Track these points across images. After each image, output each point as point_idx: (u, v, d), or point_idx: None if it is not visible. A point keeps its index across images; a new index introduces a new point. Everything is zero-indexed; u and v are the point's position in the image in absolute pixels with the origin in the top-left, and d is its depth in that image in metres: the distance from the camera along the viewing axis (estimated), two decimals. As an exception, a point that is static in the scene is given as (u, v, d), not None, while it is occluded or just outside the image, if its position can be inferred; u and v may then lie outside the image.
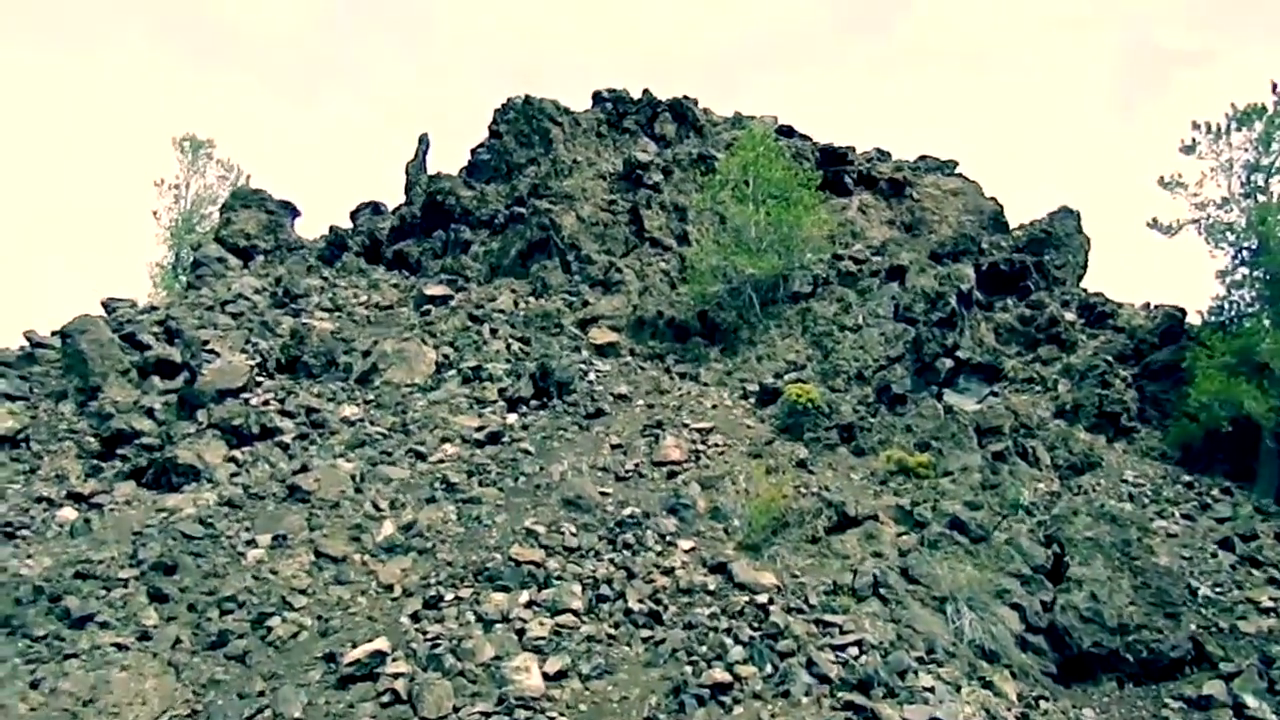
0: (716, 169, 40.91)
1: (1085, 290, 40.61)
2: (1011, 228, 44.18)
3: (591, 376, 34.33)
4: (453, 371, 34.61)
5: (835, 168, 45.18)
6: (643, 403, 33.09)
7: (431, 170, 49.33)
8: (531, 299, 39.37)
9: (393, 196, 50.54)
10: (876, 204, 44.55)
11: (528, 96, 48.61)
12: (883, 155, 48.65)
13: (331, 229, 46.28)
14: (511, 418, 32.05)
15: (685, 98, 49.09)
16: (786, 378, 34.17)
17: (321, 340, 35.87)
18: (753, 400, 33.53)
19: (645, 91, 49.04)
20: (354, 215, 49.21)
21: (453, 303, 39.37)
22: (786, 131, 47.80)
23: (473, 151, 49.17)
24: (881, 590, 24.58)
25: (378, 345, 35.18)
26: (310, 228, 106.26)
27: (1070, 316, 37.79)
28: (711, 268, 38.12)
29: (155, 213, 57.27)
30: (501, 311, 38.25)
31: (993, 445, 30.68)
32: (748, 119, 49.47)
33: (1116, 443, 31.96)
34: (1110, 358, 34.36)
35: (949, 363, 33.83)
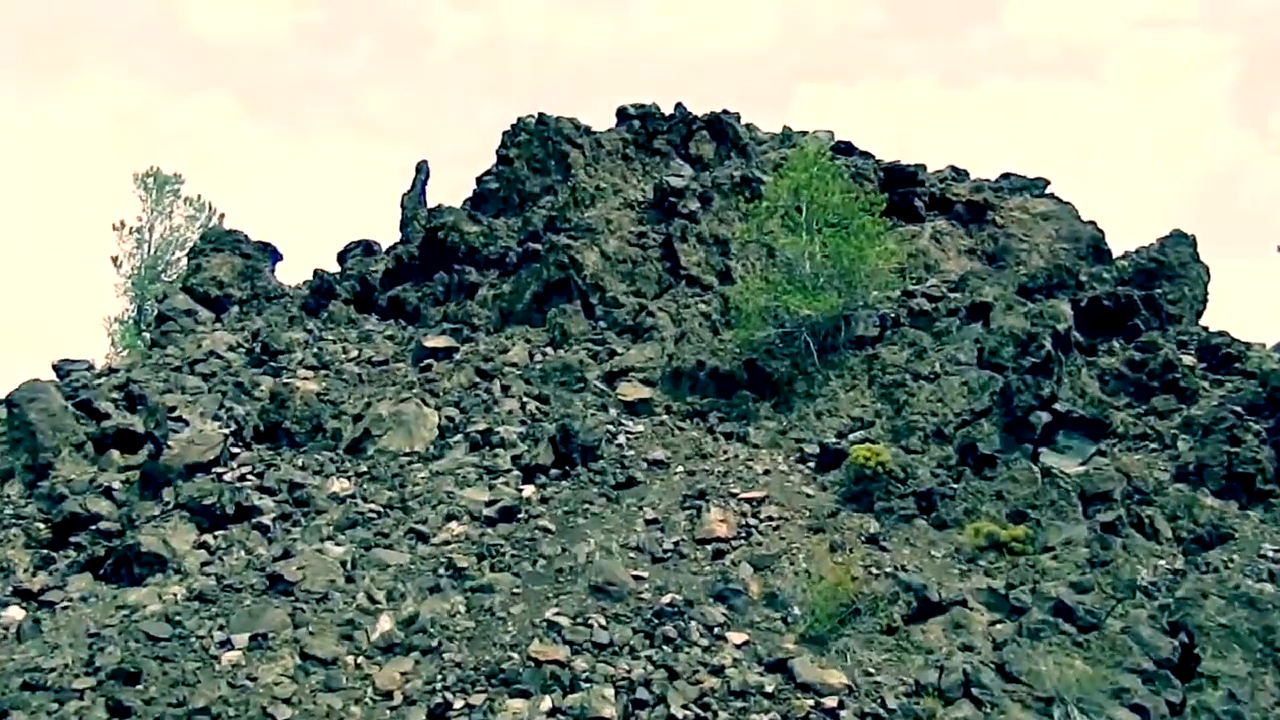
0: (763, 194, 40.76)
1: (1206, 329, 39.98)
2: (1114, 257, 43.75)
3: (621, 439, 34.06)
4: (459, 437, 34.37)
5: (903, 190, 44.97)
6: (682, 469, 32.77)
7: (431, 202, 49.39)
8: (549, 350, 39.23)
9: (386, 234, 50.54)
10: (953, 231, 44.28)
11: (541, 115, 48.70)
12: (959, 174, 48.41)
13: (316, 273, 46.33)
14: (528, 490, 31.76)
15: (725, 112, 49.12)
16: (851, 437, 33.79)
17: (306, 403, 35.75)
18: (812, 464, 33.16)
19: (678, 106, 49.08)
20: (342, 257, 49.32)
21: (457, 356, 39.27)
22: (845, 149, 47.72)
23: (478, 180, 49.25)
24: (974, 690, 24.14)
25: (371, 408, 34.94)
26: (293, 273, 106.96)
27: (1189, 360, 37.17)
28: (759, 309, 37.88)
29: (115, 259, 57.57)
30: (514, 365, 38.07)
31: (1102, 515, 30.12)
32: (798, 135, 49.32)
33: (1251, 510, 31.24)
34: (1239, 408, 33.70)
35: (1045, 417, 33.30)
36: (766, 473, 32.76)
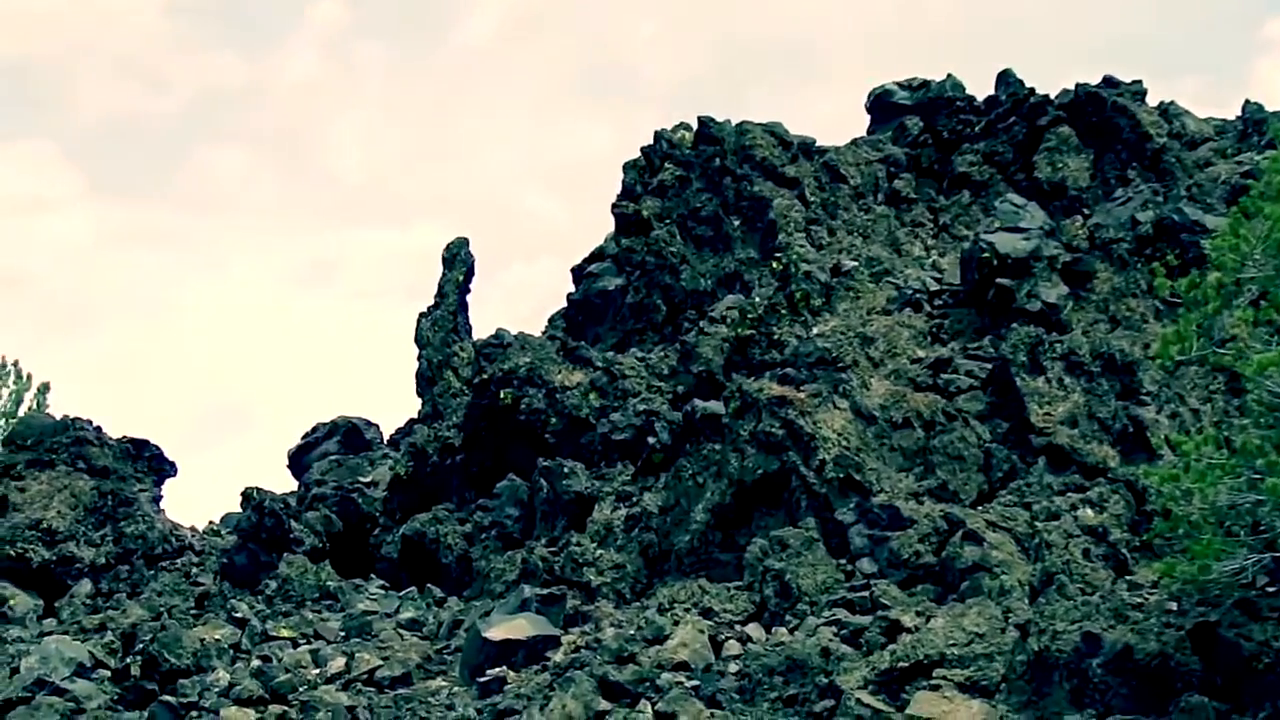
0: (1210, 256, 18.59)
1: None
2: None
3: None
4: None
5: None
6: None
7: (483, 325, 32.46)
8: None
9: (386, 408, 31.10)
10: None
11: (706, 120, 29.58)
12: None
13: (250, 496, 26.69)
14: None
15: (1106, 83, 28.04)
16: None
17: None
18: None
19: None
20: (299, 461, 30.02)
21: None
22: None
23: (580, 276, 29.68)
24: None
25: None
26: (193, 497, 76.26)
27: None
28: (1216, 512, 16.40)
29: None
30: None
31: None
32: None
33: None
34: None
35: None
36: None
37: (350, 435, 32.74)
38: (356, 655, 20.16)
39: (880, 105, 32.16)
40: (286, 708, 18.68)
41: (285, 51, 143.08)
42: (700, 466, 22.46)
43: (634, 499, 23.45)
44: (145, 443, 29.69)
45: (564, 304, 31.43)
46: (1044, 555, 18.95)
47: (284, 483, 33.68)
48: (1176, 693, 15.55)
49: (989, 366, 22.51)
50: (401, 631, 21.48)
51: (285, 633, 21.62)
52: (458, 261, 32.90)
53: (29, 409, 34.03)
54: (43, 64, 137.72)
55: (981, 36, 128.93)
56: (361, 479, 29.62)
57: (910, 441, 21.79)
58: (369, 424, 33.44)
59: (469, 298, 33.37)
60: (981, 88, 31.10)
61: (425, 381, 31.43)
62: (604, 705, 16.71)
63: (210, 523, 31.18)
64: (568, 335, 29.05)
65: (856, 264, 25.41)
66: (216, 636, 21.16)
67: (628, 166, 31.16)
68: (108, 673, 20.40)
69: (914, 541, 19.97)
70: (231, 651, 20.96)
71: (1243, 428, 17.95)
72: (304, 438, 33.58)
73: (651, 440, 24.10)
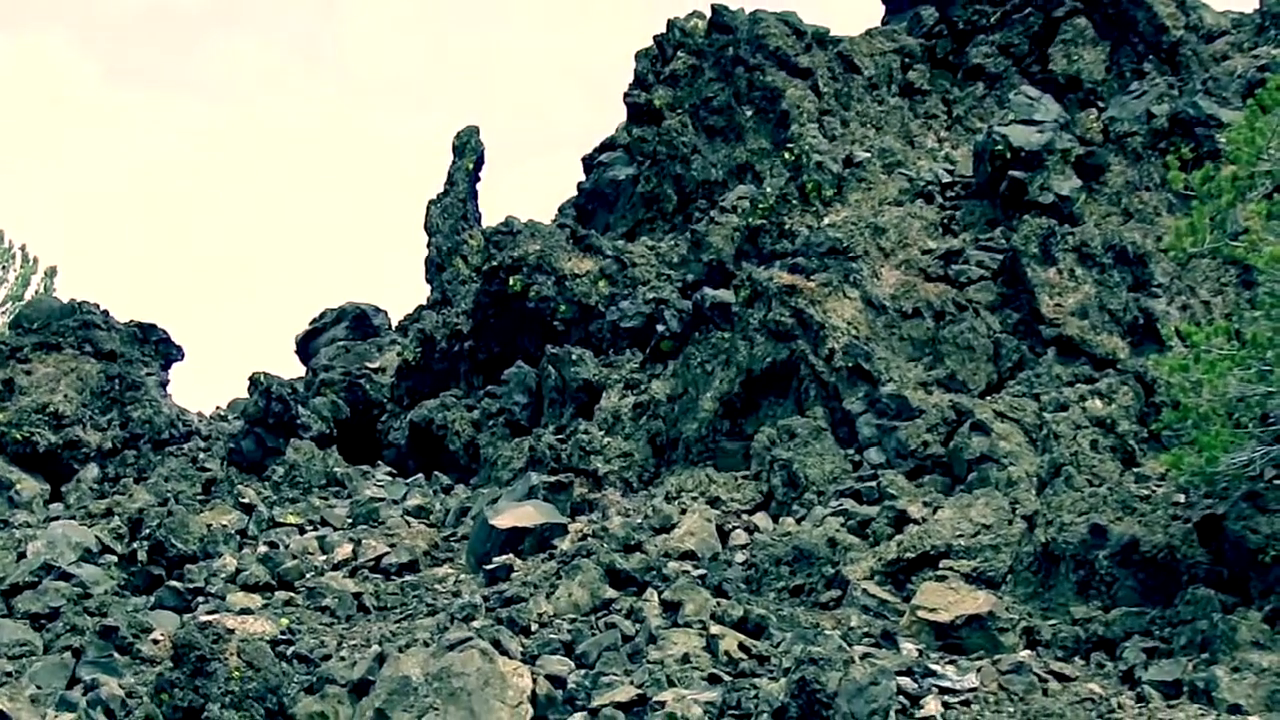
0: (1225, 151, 18.34)
1: None
2: None
3: None
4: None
5: None
6: None
7: (491, 210, 32.27)
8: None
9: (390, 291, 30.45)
10: None
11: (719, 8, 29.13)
12: None
13: (257, 381, 26.75)
14: None
15: None
16: None
17: (250, 663, 16.38)
18: None
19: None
20: (305, 346, 30.12)
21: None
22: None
23: (593, 164, 29.53)
24: None
25: (388, 667, 15.12)
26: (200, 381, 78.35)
27: None
28: (1228, 405, 16.28)
29: None
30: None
31: None
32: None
33: None
34: None
35: None
36: None
37: (358, 321, 32.61)
38: (363, 542, 20.14)
39: (895, -5, 31.62)
40: (293, 594, 18.68)
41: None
42: (709, 355, 22.32)
43: (642, 387, 23.33)
44: (153, 327, 29.54)
45: (575, 193, 31.16)
46: (1052, 446, 18.82)
47: (292, 369, 33.68)
48: (1183, 585, 15.52)
49: (1000, 258, 22.29)
50: (408, 518, 21.44)
51: (292, 519, 21.62)
52: (467, 149, 32.60)
53: (36, 293, 33.87)
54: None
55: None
56: (369, 365, 29.52)
57: (920, 332, 21.62)
58: (377, 310, 33.29)
59: (479, 186, 33.13)
60: (997, -22, 30.51)
61: (434, 268, 31.24)
62: (610, 593, 16.68)
63: (217, 408, 31.12)
64: (578, 224, 28.80)
65: (869, 155, 25.10)
66: (223, 522, 21.16)
67: (640, 55, 30.74)
68: (114, 558, 20.44)
69: (922, 432, 19.86)
70: (238, 537, 20.96)
71: (1254, 320, 17.79)
72: (312, 323, 33.44)
73: (660, 328, 23.95)
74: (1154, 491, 17.31)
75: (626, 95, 29.96)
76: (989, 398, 20.66)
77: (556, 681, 14.53)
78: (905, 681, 13.93)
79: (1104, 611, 15.70)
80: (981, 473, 18.97)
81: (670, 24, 30.80)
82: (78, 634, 17.75)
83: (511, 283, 25.82)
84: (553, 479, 20.79)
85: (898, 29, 30.10)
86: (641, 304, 24.82)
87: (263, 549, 20.11)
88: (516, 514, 19.27)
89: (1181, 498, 16.90)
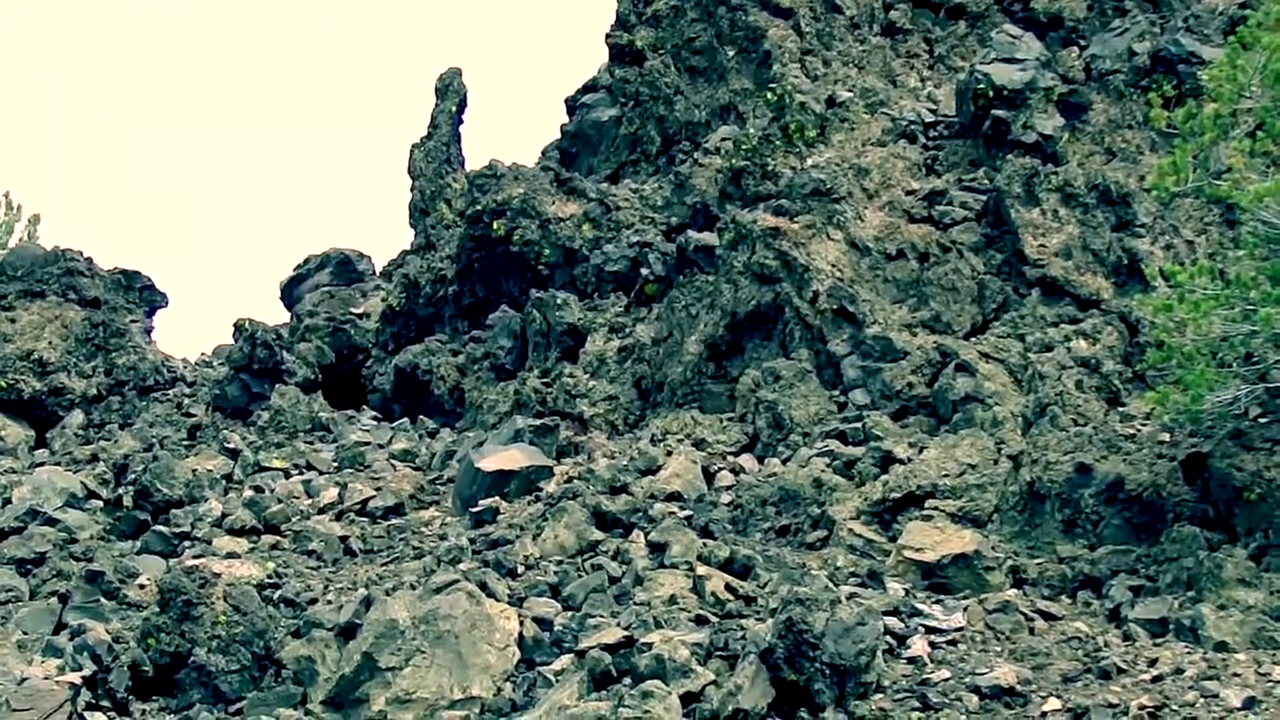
0: (1207, 89, 18.19)
1: None
2: None
3: None
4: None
5: None
6: None
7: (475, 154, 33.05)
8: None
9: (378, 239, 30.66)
10: None
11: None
12: None
13: (241, 327, 26.56)
14: None
15: None
16: None
17: (237, 607, 16.21)
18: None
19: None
20: (289, 292, 29.98)
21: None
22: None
23: (575, 105, 29.39)
24: None
25: (374, 611, 14.74)
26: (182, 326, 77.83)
27: None
28: (1211, 344, 16.24)
29: None
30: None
31: None
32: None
33: None
34: None
35: None
36: None
37: (342, 266, 32.35)
38: (349, 486, 20.00)
39: (878, -67, 31.23)
40: (279, 538, 18.57)
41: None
42: (693, 298, 22.14)
43: (627, 330, 23.16)
44: (136, 273, 29.29)
45: (558, 135, 30.85)
46: (1037, 386, 18.70)
47: (276, 315, 33.42)
48: (1168, 523, 15.47)
49: (983, 198, 22.09)
50: (394, 462, 21.31)
51: (277, 463, 21.46)
52: (450, 92, 32.13)
53: (20, 240, 33.52)
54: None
55: None
56: (354, 310, 29.30)
57: (904, 273, 21.45)
58: (361, 255, 33.01)
59: (462, 129, 32.74)
60: (981, -85, 30.13)
61: (418, 212, 30.92)
62: (597, 535, 16.57)
63: (202, 354, 30.90)
64: (561, 166, 28.51)
65: (851, 95, 24.80)
66: (209, 467, 20.99)
67: (621, -6, 30.33)
68: (100, 503, 20.27)
69: (907, 373, 19.73)
70: (224, 482, 20.81)
71: (1237, 259, 17.73)
72: (295, 269, 33.17)
73: (645, 271, 23.74)
74: (1139, 430, 17.23)
75: (608, 36, 29.57)
76: (973, 339, 20.52)
77: (543, 624, 14.44)
78: (892, 621, 13.87)
79: (1090, 550, 15.65)
80: (967, 413, 18.86)
81: (652, -37, 30.38)
82: (64, 579, 17.61)
83: (495, 227, 25.56)
84: (538, 422, 20.64)
85: (880, -32, 29.76)
86: (626, 247, 24.60)
87: (248, 493, 19.98)
88: (502, 457, 19.13)
89: (1166, 436, 16.82)
